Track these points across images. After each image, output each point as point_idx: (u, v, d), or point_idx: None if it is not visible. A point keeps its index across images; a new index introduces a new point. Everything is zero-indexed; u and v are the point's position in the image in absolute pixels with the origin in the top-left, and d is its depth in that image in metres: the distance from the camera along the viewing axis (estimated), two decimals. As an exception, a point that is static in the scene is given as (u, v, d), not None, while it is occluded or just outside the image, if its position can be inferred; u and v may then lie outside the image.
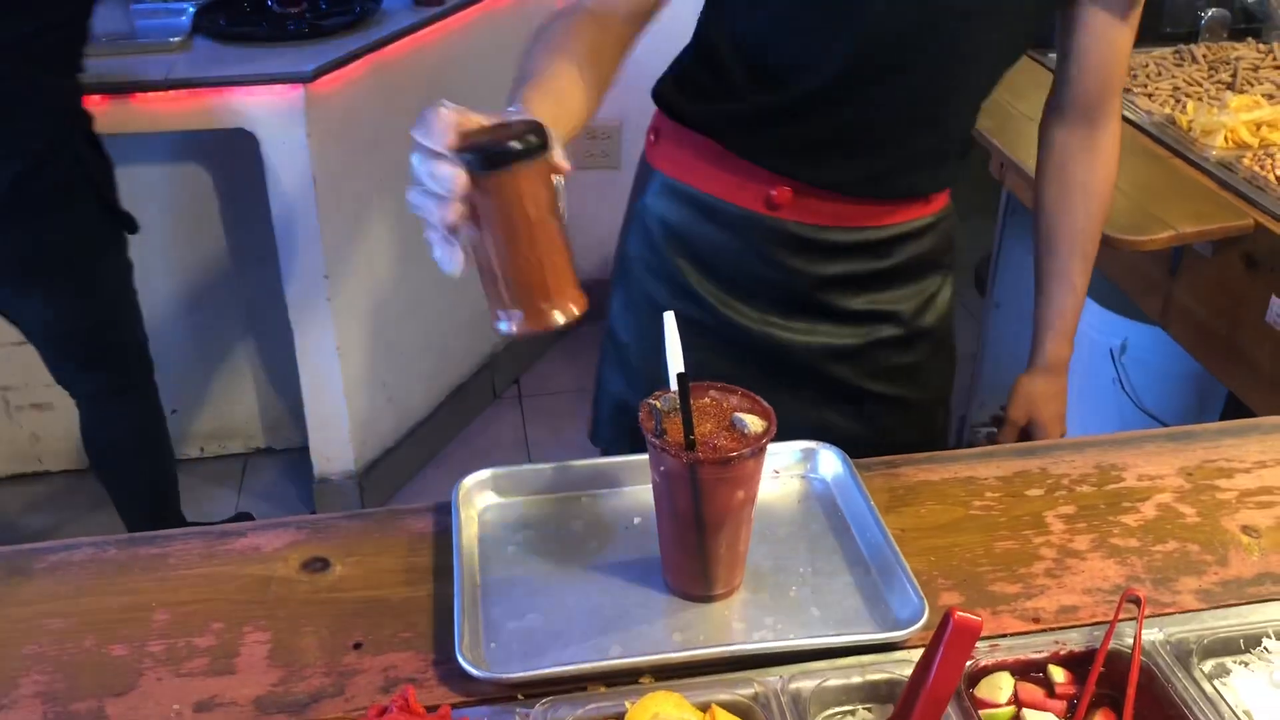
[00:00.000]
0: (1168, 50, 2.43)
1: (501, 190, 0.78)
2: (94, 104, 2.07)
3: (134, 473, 2.27)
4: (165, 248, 2.58)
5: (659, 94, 1.27)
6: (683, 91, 1.25)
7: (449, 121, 0.78)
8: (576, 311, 0.82)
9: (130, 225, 2.08)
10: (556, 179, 0.82)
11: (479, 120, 0.81)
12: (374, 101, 2.37)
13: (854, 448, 1.13)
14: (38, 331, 2.07)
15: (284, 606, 0.96)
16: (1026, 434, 1.41)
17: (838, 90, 1.14)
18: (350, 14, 2.38)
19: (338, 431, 2.59)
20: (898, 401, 1.33)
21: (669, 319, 0.90)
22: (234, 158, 2.45)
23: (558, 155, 0.82)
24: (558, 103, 0.94)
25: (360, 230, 2.46)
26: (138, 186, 2.52)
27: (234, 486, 2.79)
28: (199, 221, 2.58)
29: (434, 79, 2.53)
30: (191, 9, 2.32)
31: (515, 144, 0.78)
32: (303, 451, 2.70)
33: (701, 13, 1.24)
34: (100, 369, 2.14)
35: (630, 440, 1.23)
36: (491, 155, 0.78)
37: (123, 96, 2.13)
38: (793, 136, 1.18)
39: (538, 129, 0.80)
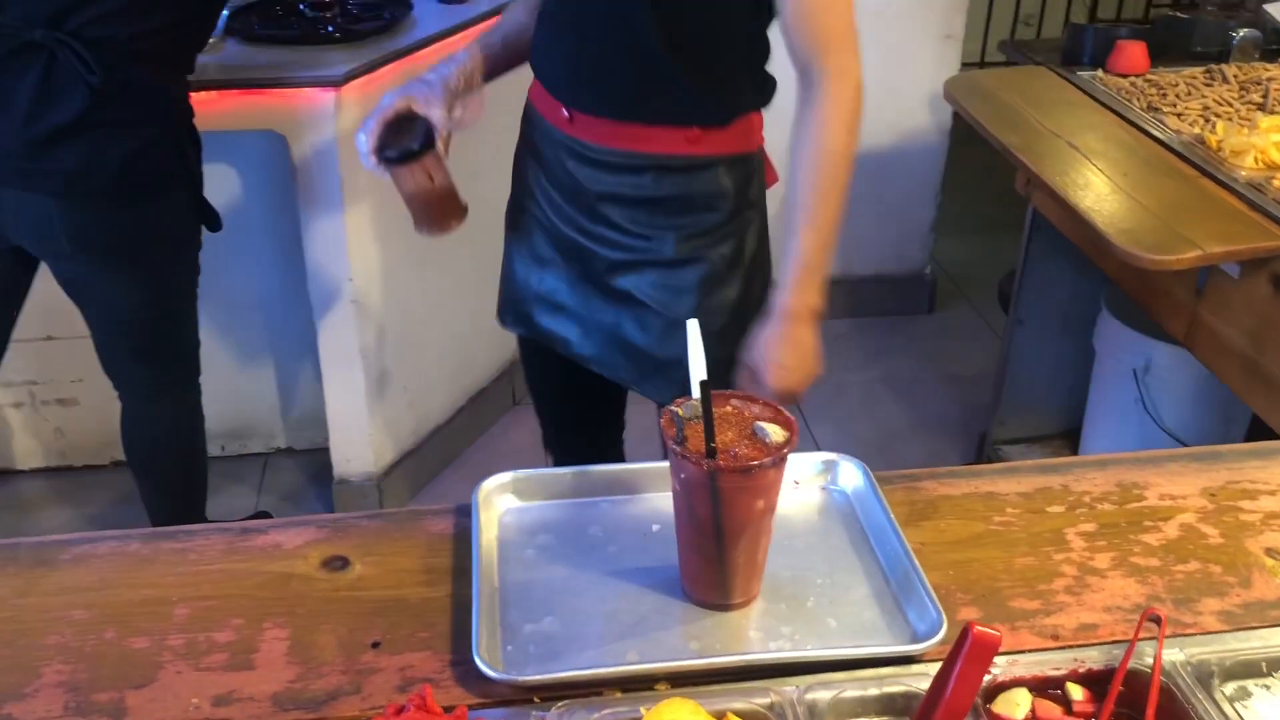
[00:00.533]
0: (1198, 70, 2.42)
1: (398, 176, 1.45)
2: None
3: (168, 471, 2.28)
4: (192, 247, 2.59)
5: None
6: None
7: (379, 114, 1.42)
8: (456, 225, 1.53)
9: (214, 222, 2.10)
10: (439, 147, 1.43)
11: (399, 110, 1.41)
12: (403, 106, 2.38)
13: (641, 359, 1.47)
14: (104, 316, 2.08)
15: (303, 604, 0.96)
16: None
17: (568, 18, 1.40)
18: (381, 18, 2.40)
19: (358, 433, 2.59)
20: (672, 321, 1.46)
21: (693, 326, 0.91)
22: (263, 159, 2.47)
23: (439, 149, 1.43)
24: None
25: (385, 234, 2.47)
26: (167, 185, 2.54)
27: (254, 485, 2.80)
28: (227, 221, 2.59)
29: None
30: (224, 11, 2.34)
31: (403, 148, 1.41)
32: (323, 452, 2.71)
33: None
34: (153, 363, 2.15)
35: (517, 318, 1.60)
36: (388, 156, 1.42)
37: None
38: (559, 62, 1.44)
39: (428, 131, 1.41)
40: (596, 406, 1.74)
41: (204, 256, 2.62)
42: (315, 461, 2.83)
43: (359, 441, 2.61)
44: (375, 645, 0.92)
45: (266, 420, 2.86)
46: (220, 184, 2.55)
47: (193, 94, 2.04)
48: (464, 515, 1.06)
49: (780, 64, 1.42)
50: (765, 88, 1.47)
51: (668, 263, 1.44)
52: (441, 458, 2.85)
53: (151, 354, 2.14)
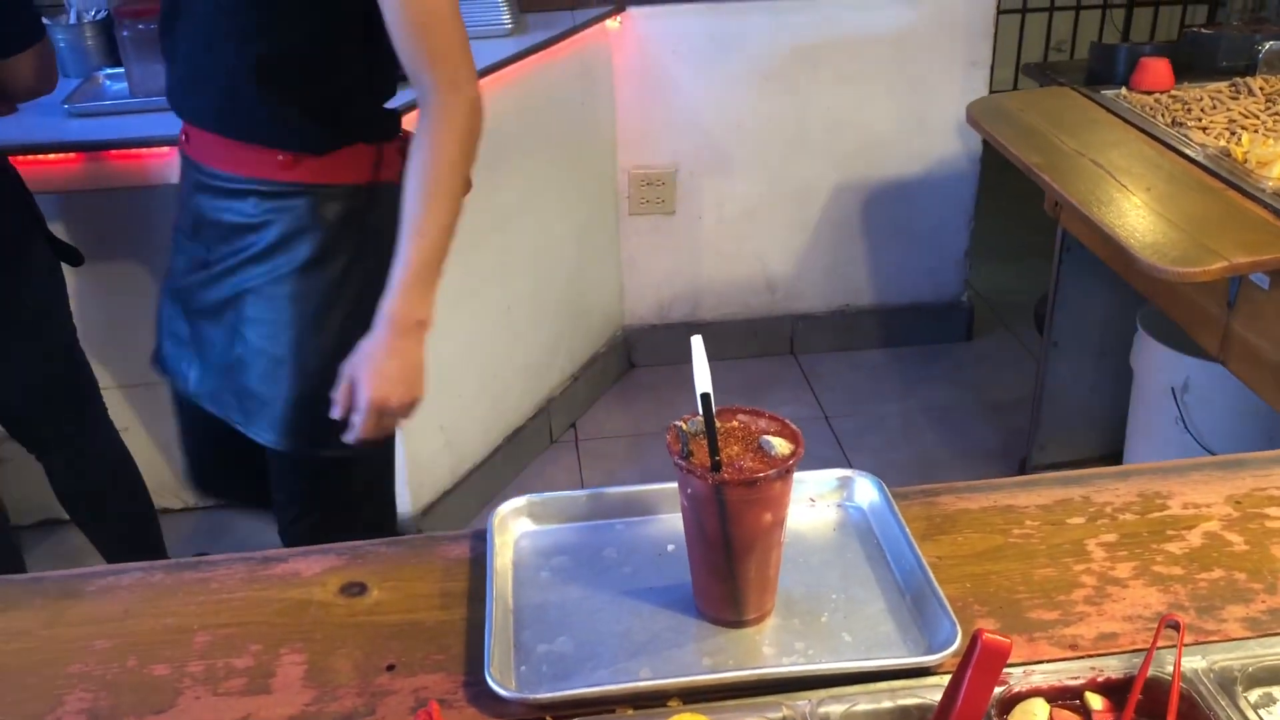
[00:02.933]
0: (1223, 84, 2.40)
1: None
2: (163, 155, 2.16)
3: (114, 513, 2.29)
4: (230, 295, 2.65)
5: None
6: None
7: None
8: None
9: (75, 258, 2.11)
10: None
11: None
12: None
13: (246, 397, 1.54)
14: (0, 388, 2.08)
15: (320, 629, 0.97)
16: None
17: (179, 24, 1.43)
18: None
19: (395, 474, 2.62)
20: (275, 358, 1.52)
21: (696, 342, 0.91)
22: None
23: None
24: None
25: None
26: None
27: (295, 529, 2.83)
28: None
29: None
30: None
31: None
32: (362, 495, 2.73)
33: None
34: (60, 416, 2.16)
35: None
36: None
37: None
38: (172, 71, 1.48)
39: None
40: (231, 447, 1.66)
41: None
42: (355, 504, 2.85)
43: (396, 482, 2.63)
44: (390, 668, 0.93)
45: (306, 464, 2.89)
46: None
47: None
48: (480, 540, 1.07)
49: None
50: (383, 122, 1.50)
51: (266, 296, 1.48)
52: (479, 497, 2.87)
53: (56, 406, 2.14)
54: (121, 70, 2.41)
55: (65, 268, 2.12)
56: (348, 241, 1.49)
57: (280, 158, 1.44)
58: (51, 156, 2.21)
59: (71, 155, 2.22)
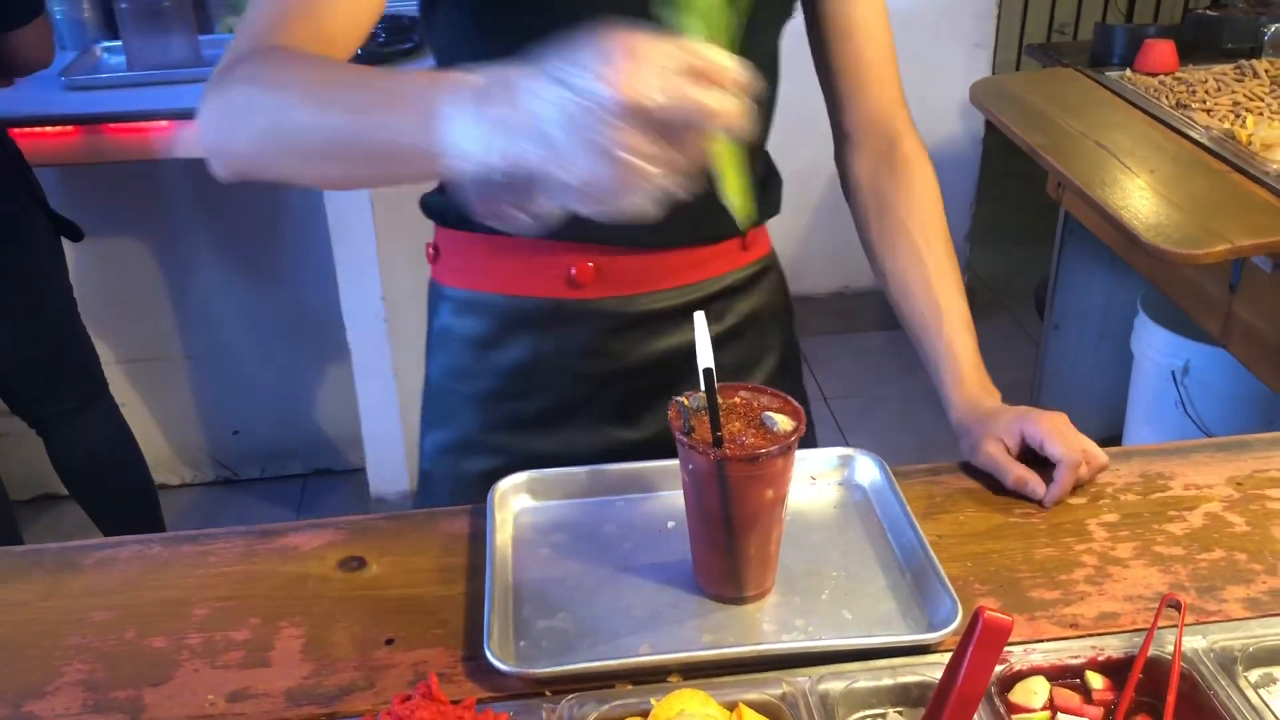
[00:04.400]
0: (1228, 66, 2.39)
1: None
2: (161, 129, 2.15)
3: (113, 487, 2.30)
4: (225, 270, 2.64)
5: (429, 205, 1.19)
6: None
7: None
8: None
9: (75, 233, 2.11)
10: None
11: None
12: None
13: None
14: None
15: (319, 603, 0.97)
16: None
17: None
18: (408, 41, 2.43)
19: (394, 453, 2.62)
20: None
21: (699, 317, 0.91)
22: (295, 182, 2.51)
23: None
24: None
25: (417, 252, 2.49)
26: (201, 209, 2.59)
27: (293, 507, 2.83)
28: (259, 243, 2.64)
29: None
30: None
31: None
32: (361, 473, 2.74)
33: None
34: (60, 389, 2.17)
35: None
36: None
37: (189, 122, 2.19)
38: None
39: None
40: None
41: (239, 278, 2.67)
42: (354, 482, 2.85)
43: (394, 461, 2.63)
44: (389, 642, 0.93)
45: (306, 441, 2.90)
46: (251, 206, 2.60)
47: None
48: (480, 516, 1.06)
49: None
50: None
51: None
52: (477, 475, 2.87)
53: (56, 380, 2.15)
54: (119, 43, 2.40)
55: (65, 242, 2.12)
56: (785, 314, 1.32)
57: (741, 246, 1.20)
58: (49, 129, 2.19)
59: (69, 128, 2.21)
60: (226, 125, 0.87)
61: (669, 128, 0.66)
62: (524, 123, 0.67)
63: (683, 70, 0.65)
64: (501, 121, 0.68)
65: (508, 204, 0.73)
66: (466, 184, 0.74)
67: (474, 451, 1.08)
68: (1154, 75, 2.39)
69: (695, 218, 1.10)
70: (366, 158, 0.81)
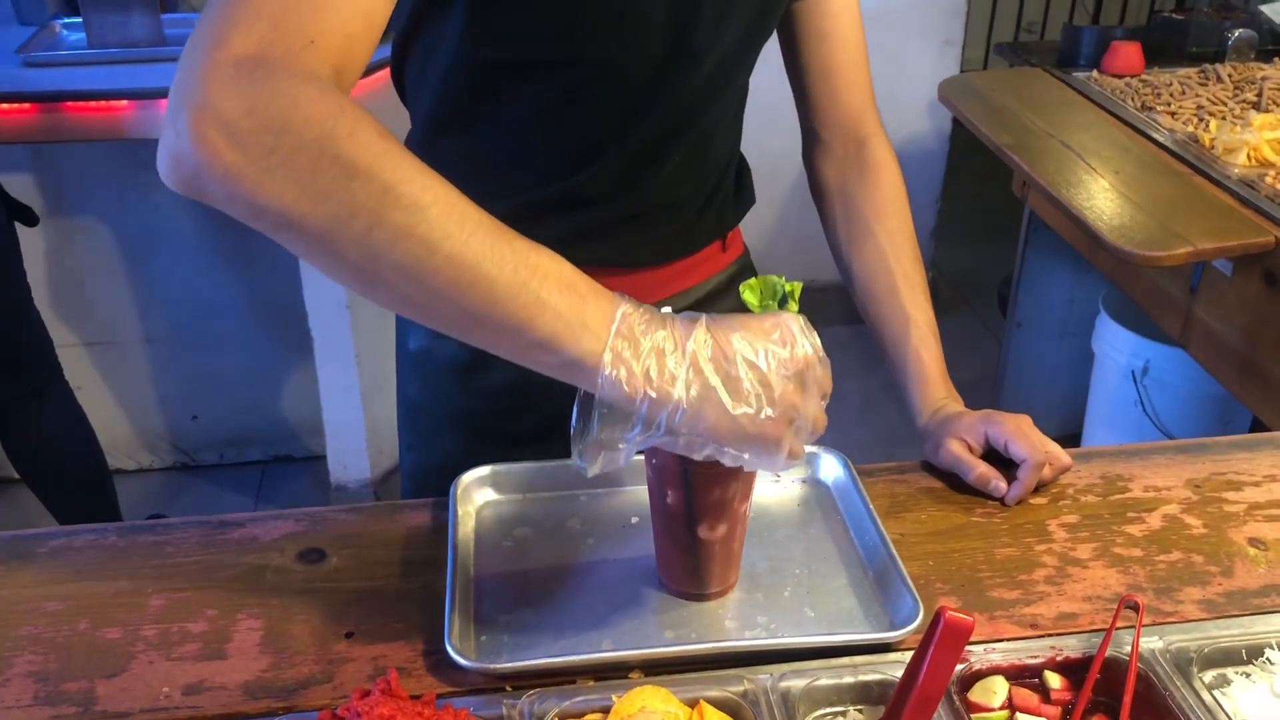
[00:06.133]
0: (1193, 70, 2.42)
1: None
2: (122, 109, 2.11)
3: (68, 474, 2.26)
4: (187, 253, 2.61)
5: None
6: None
7: None
8: None
9: (30, 217, 2.08)
10: None
11: None
12: (398, 108, 2.38)
13: None
14: None
15: (278, 595, 0.96)
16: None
17: (614, 172, 1.06)
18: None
19: (355, 440, 2.60)
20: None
21: (666, 311, 0.90)
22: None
23: None
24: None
25: (381, 239, 2.48)
26: (162, 192, 2.56)
27: (252, 493, 2.81)
28: (222, 227, 2.61)
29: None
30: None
31: None
32: (321, 460, 2.72)
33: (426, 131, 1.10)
34: (16, 374, 2.14)
35: None
36: None
37: (151, 102, 2.16)
38: (577, 225, 1.06)
39: None
40: None
41: (199, 263, 2.64)
42: (314, 469, 2.83)
43: (355, 449, 2.61)
44: (349, 635, 0.92)
45: (265, 427, 2.87)
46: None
47: None
48: (442, 509, 1.05)
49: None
50: None
51: None
52: (440, 464, 2.86)
53: (10, 367, 2.12)
54: (79, 20, 2.36)
55: (19, 227, 2.08)
56: None
57: (722, 248, 1.21)
58: (5, 106, 2.15)
59: (26, 106, 2.17)
60: (265, 159, 0.70)
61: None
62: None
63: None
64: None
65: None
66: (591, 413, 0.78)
67: (462, 470, 1.06)
68: (1120, 77, 2.41)
69: (685, 234, 1.13)
70: (489, 325, 0.74)
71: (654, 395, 0.75)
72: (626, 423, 0.76)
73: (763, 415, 0.77)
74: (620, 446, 0.78)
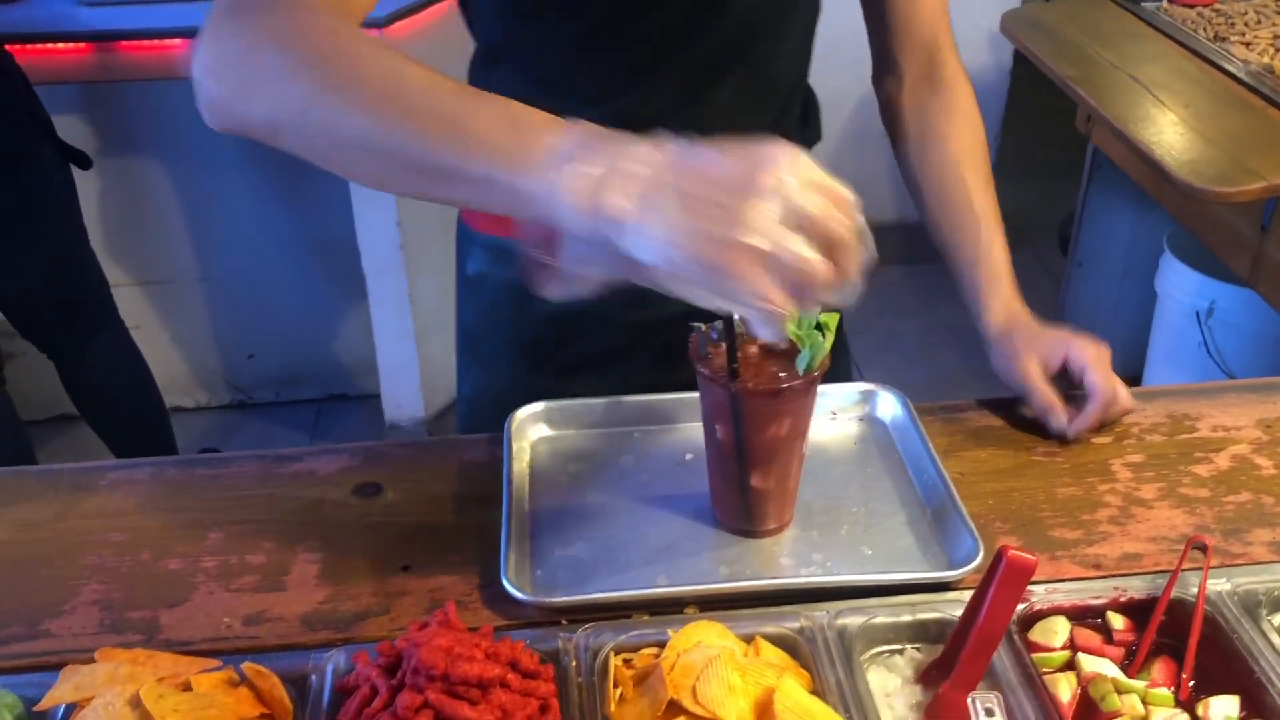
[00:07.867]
0: (1269, -2, 2.33)
1: None
2: (175, 48, 2.11)
3: (124, 413, 2.30)
4: (241, 193, 2.62)
5: None
6: None
7: None
8: None
9: (84, 161, 2.09)
10: None
11: None
12: (451, 46, 2.36)
13: None
14: (11, 288, 2.09)
15: (335, 529, 0.97)
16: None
17: (667, 94, 1.03)
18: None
19: (409, 379, 2.62)
20: None
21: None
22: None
23: None
24: None
25: (433, 178, 2.47)
26: (214, 133, 2.56)
27: (307, 431, 2.84)
28: (275, 166, 2.61)
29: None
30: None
31: None
32: (375, 399, 2.74)
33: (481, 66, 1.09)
34: (73, 317, 2.16)
35: None
36: None
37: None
38: None
39: None
40: None
41: (254, 204, 2.65)
42: (368, 408, 2.86)
43: (409, 387, 2.63)
44: (405, 569, 0.92)
45: (320, 366, 2.90)
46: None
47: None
48: (496, 445, 1.05)
49: None
50: None
51: None
52: (492, 404, 2.87)
53: (67, 309, 2.15)
54: (133, -41, 2.35)
55: (74, 170, 2.10)
56: None
57: None
58: (60, 46, 2.16)
59: (82, 45, 2.18)
60: (238, 86, 0.78)
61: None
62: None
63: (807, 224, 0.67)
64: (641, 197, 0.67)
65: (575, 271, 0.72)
66: (542, 240, 0.72)
67: (519, 397, 1.06)
68: (1191, 7, 2.32)
69: None
70: (436, 175, 0.73)
71: (604, 212, 0.67)
72: (579, 244, 0.71)
73: (719, 235, 0.66)
74: (574, 268, 0.72)
